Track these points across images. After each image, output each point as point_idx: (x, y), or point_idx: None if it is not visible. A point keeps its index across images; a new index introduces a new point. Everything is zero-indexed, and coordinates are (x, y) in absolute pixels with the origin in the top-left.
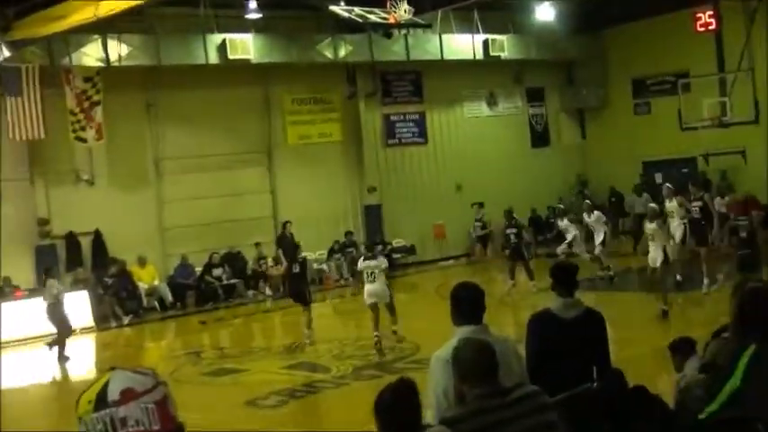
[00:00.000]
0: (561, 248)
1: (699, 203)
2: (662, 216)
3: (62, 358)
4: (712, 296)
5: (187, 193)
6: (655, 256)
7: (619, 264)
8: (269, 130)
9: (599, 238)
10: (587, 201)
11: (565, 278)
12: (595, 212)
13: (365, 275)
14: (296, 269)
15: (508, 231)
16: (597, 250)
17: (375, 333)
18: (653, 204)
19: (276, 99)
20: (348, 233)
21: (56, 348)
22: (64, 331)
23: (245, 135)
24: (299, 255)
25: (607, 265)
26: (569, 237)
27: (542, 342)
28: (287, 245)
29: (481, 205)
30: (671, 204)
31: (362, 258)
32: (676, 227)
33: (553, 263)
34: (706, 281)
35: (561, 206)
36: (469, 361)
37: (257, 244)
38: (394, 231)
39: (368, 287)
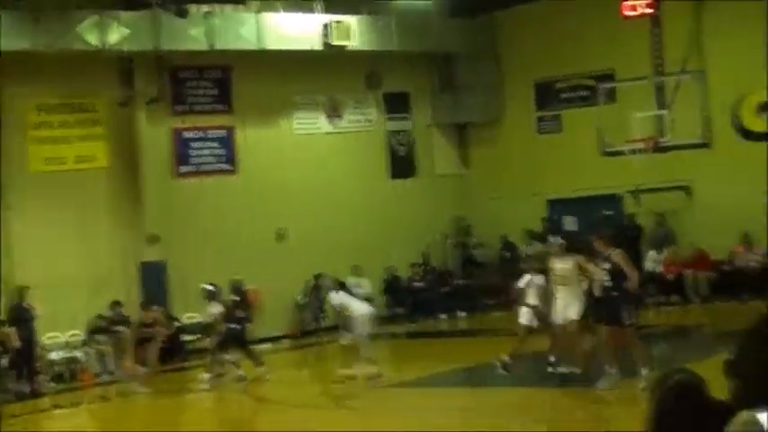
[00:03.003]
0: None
1: (607, 266)
2: None
3: None
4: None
5: None
6: None
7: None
8: None
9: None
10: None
11: None
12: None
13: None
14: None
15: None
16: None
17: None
18: None
19: (13, 105)
20: (115, 304)
21: None
22: None
23: None
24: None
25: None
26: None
27: None
28: (23, 321)
29: None
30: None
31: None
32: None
33: None
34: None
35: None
36: None
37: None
38: (185, 300)
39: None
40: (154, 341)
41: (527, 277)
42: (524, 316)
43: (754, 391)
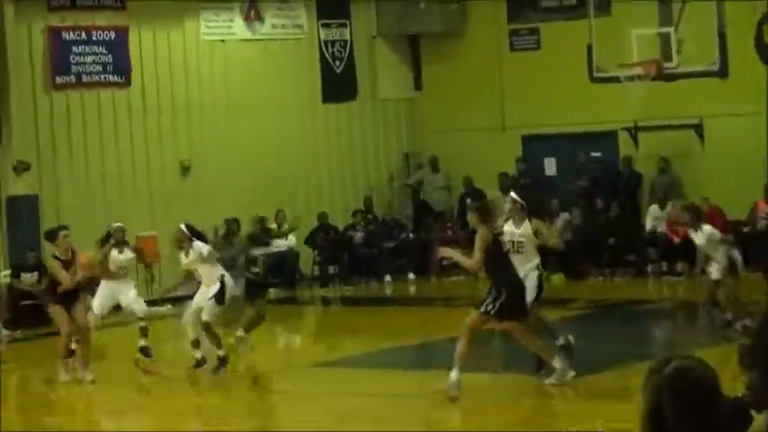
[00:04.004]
0: None
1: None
2: None
3: None
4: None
5: None
6: None
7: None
8: None
9: None
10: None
11: None
12: None
13: None
14: None
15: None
16: None
17: None
18: None
19: None
20: None
21: None
22: None
23: None
24: None
25: None
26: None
27: None
28: None
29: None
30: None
31: None
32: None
33: None
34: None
35: None
36: None
37: None
38: None
39: None
40: (81, 296)
41: None
42: None
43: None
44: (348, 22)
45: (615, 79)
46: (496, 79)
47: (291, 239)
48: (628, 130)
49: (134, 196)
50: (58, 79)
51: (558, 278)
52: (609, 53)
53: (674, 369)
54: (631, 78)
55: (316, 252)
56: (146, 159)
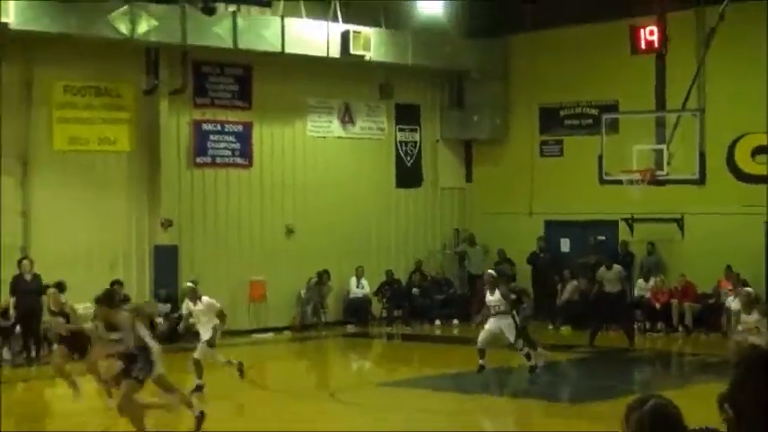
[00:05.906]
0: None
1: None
2: None
3: None
4: None
5: None
6: None
7: None
8: (26, 126)
9: None
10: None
11: None
12: None
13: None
14: None
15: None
16: None
17: None
18: None
19: (41, 84)
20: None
21: None
22: None
23: None
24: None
25: None
26: None
27: None
28: (23, 291)
29: None
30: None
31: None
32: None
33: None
34: None
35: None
36: None
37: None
38: None
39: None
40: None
41: None
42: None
43: (749, 424)
44: (418, 128)
45: (618, 182)
46: (528, 176)
47: (366, 288)
48: (626, 220)
49: (250, 250)
50: (198, 159)
51: (566, 330)
52: (615, 162)
53: (654, 406)
54: (631, 182)
55: (384, 300)
56: (260, 223)
